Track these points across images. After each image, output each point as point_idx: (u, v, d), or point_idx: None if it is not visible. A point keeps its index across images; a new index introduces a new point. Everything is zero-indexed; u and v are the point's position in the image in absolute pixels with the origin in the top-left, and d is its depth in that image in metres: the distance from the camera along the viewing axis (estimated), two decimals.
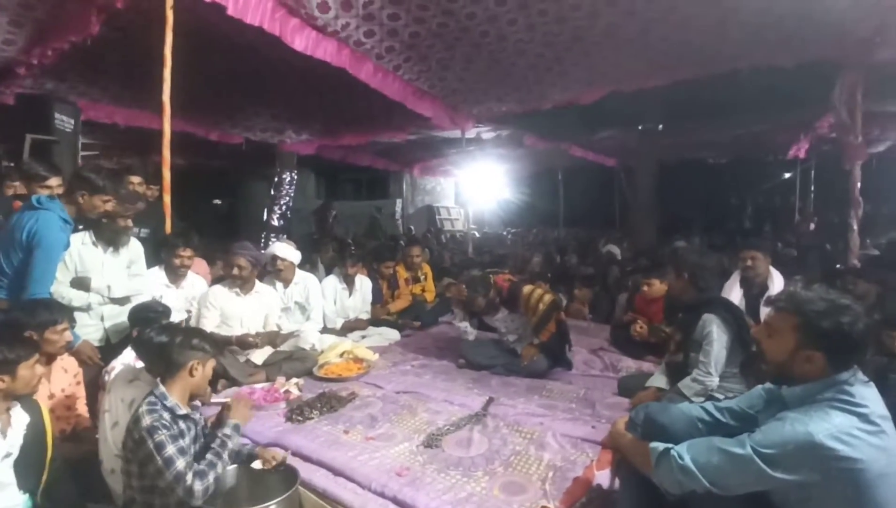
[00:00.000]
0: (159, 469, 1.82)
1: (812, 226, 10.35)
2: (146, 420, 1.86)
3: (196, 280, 3.75)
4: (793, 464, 1.36)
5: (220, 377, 3.23)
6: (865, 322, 1.45)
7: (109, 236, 3.09)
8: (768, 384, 1.72)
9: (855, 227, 4.81)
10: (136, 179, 3.89)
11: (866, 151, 4.85)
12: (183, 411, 1.98)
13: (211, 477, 1.86)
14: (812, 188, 10.24)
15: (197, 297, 3.65)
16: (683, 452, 1.53)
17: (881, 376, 3.53)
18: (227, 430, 2.05)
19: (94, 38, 3.75)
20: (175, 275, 3.58)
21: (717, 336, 2.59)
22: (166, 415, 1.91)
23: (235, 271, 3.55)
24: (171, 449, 1.83)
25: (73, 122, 5.81)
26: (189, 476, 1.81)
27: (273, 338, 3.67)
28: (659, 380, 2.89)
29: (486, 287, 3.65)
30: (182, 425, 1.98)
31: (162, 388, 1.97)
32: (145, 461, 1.86)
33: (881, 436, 1.38)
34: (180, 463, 1.81)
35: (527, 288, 3.63)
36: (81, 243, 3.05)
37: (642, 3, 3.84)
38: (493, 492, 2.04)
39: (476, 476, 2.17)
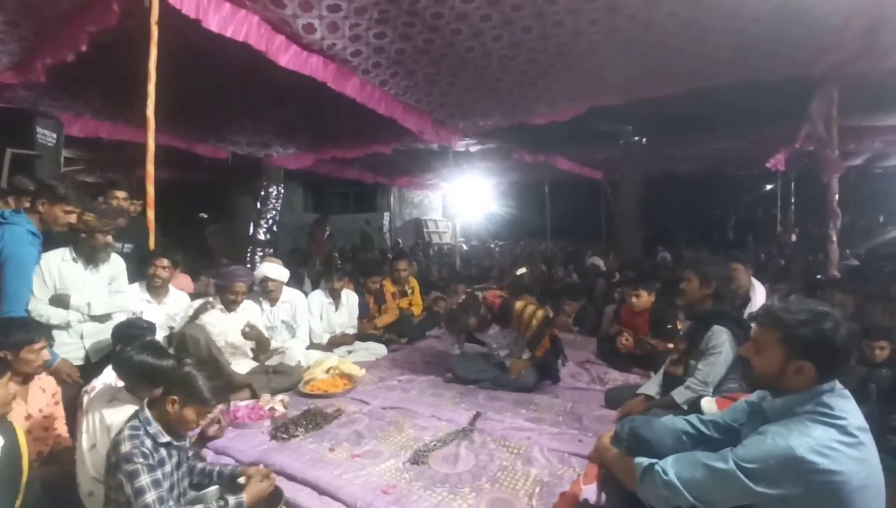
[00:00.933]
0: (129, 499, 1.76)
1: (794, 237, 10.54)
2: (125, 447, 1.80)
3: (178, 296, 3.71)
4: (775, 478, 1.37)
5: None
6: (847, 328, 1.45)
7: (89, 253, 3.02)
8: (751, 397, 1.73)
9: (834, 238, 4.91)
10: (120, 193, 3.84)
11: (843, 165, 4.97)
12: (165, 438, 1.91)
13: None
14: (793, 200, 10.44)
15: (180, 313, 3.60)
16: (668, 467, 1.53)
17: (861, 385, 3.60)
18: (232, 503, 1.90)
19: (78, 53, 3.74)
20: (156, 291, 3.53)
21: (724, 350, 2.57)
22: (148, 442, 1.85)
23: (237, 297, 3.59)
24: (144, 480, 1.76)
25: (55, 136, 5.74)
26: None
27: (265, 347, 3.68)
28: (650, 388, 2.88)
29: (475, 307, 3.63)
30: (163, 452, 1.91)
31: (147, 413, 1.91)
32: (118, 488, 1.79)
33: (860, 448, 1.39)
34: (150, 496, 1.74)
35: (518, 304, 3.62)
36: (61, 259, 2.98)
37: (622, 23, 3.93)
38: None
39: (463, 492, 2.15)
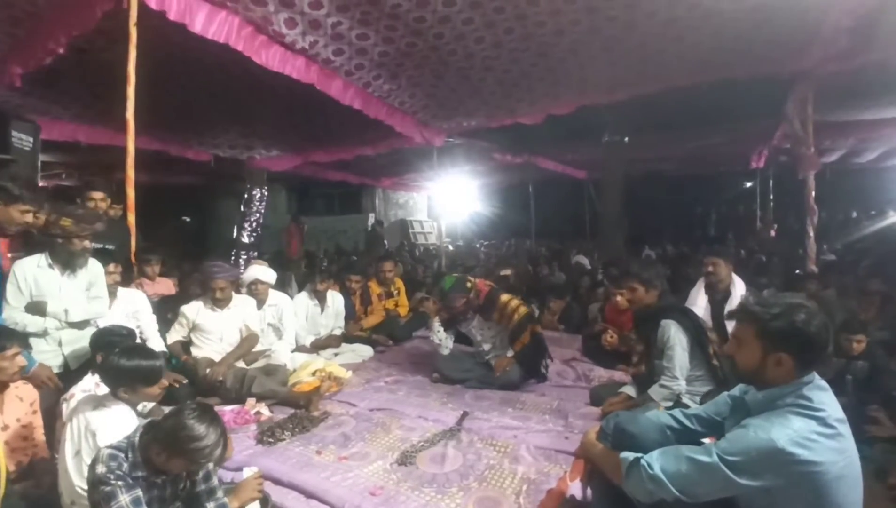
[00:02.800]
0: None
1: (773, 233, 10.73)
2: (100, 467, 1.73)
3: (129, 295, 3.59)
4: (757, 470, 1.40)
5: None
6: (820, 319, 1.48)
7: (66, 258, 2.94)
8: (734, 391, 1.76)
9: (811, 233, 5.01)
10: (97, 195, 3.76)
11: (819, 161, 5.08)
12: (141, 473, 1.83)
13: None
14: (771, 197, 10.63)
15: (139, 310, 3.53)
16: (653, 461, 1.55)
17: (838, 377, 3.69)
18: None
19: (56, 56, 3.68)
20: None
21: (676, 341, 2.68)
22: (125, 466, 1.77)
23: (218, 294, 3.57)
24: (123, 500, 1.70)
25: (31, 140, 5.63)
26: None
27: (253, 342, 3.69)
28: (630, 390, 2.95)
29: (464, 288, 3.63)
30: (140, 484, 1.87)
31: (136, 441, 1.83)
32: (96, 502, 1.75)
33: (838, 439, 1.43)
34: None
35: (505, 296, 3.65)
36: (37, 265, 2.91)
37: (603, 22, 3.97)
38: None
39: (451, 492, 2.16)
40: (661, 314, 2.79)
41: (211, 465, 1.89)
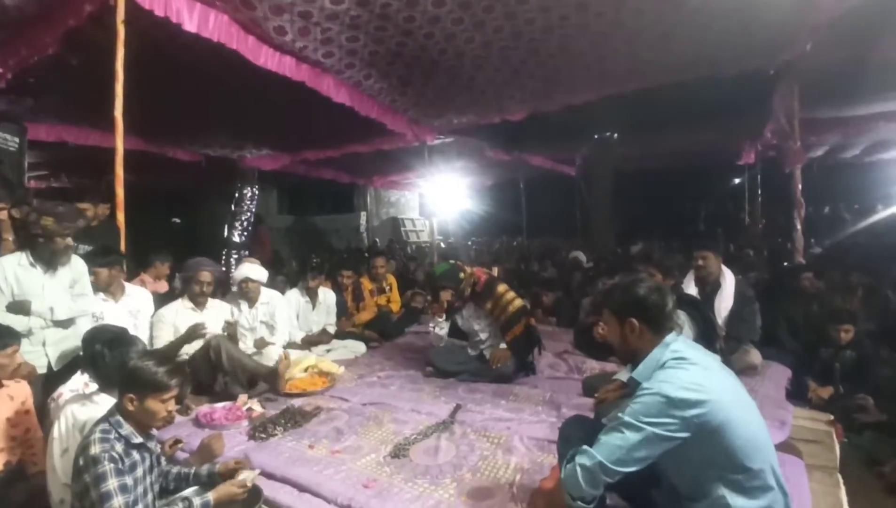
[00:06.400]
0: (94, 504, 1.72)
1: (760, 228, 10.84)
2: (94, 449, 1.76)
3: (136, 292, 3.62)
4: (663, 425, 1.47)
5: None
6: (653, 285, 1.75)
7: (48, 257, 2.92)
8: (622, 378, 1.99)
9: (798, 226, 5.07)
10: (84, 205, 3.78)
11: (805, 155, 5.15)
12: (138, 439, 1.88)
13: None
14: (759, 193, 10.73)
15: (141, 310, 3.53)
16: (580, 452, 1.58)
17: (827, 367, 3.75)
18: (197, 504, 1.88)
19: (43, 56, 3.65)
20: (110, 291, 3.44)
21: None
22: (119, 446, 1.80)
23: (199, 288, 3.51)
24: (111, 484, 1.72)
25: (17, 141, 5.56)
26: None
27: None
28: (625, 374, 2.94)
29: (455, 277, 3.62)
30: (136, 455, 1.88)
31: (117, 415, 1.87)
32: (83, 492, 1.75)
33: (719, 376, 1.59)
34: (117, 501, 1.70)
35: (502, 286, 3.66)
36: (18, 264, 2.88)
37: (592, 19, 4.00)
38: (460, 499, 2.05)
39: (444, 483, 2.16)
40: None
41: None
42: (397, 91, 5.52)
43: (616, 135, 8.80)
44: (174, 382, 1.90)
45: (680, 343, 1.68)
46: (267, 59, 4.09)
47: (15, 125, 5.53)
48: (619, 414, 1.54)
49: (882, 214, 10.23)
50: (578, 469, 1.54)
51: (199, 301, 3.57)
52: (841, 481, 2.29)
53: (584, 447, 1.57)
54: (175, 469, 2.15)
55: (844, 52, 4.67)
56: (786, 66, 4.91)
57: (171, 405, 1.96)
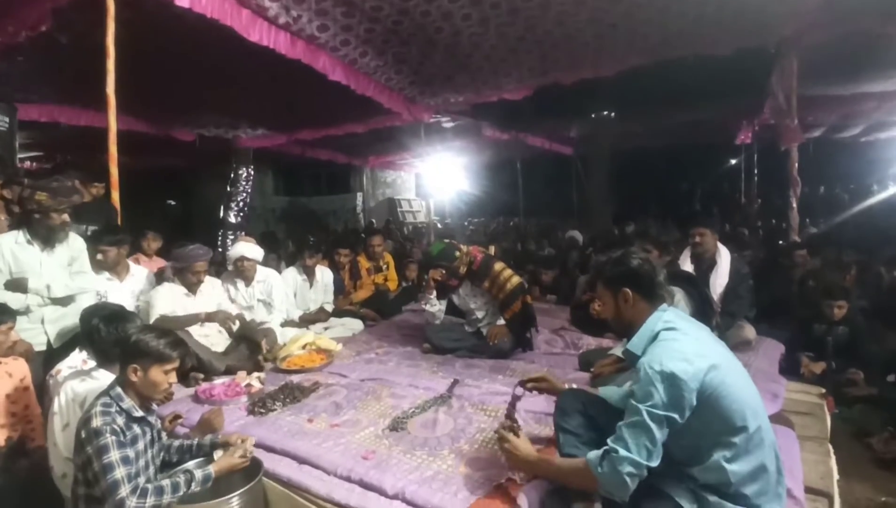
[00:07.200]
0: (96, 475, 1.74)
1: (755, 208, 10.88)
2: (96, 422, 1.78)
3: (139, 272, 3.63)
4: (673, 400, 1.48)
5: (194, 370, 3.14)
6: (640, 255, 1.80)
7: (45, 234, 2.90)
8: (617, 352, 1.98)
9: (794, 205, 5.08)
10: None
11: (801, 134, 5.13)
12: (139, 413, 1.90)
13: (150, 502, 1.74)
14: (755, 172, 10.73)
15: (145, 290, 3.53)
16: (614, 445, 1.53)
17: (820, 342, 3.79)
18: (199, 476, 1.90)
19: (32, 35, 3.58)
20: (115, 270, 3.43)
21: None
22: (120, 419, 1.83)
23: (195, 278, 3.45)
24: (113, 455, 1.74)
25: (7, 120, 5.50)
26: (124, 490, 1.71)
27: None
28: (619, 350, 2.96)
29: (452, 255, 3.61)
30: (137, 429, 1.90)
31: (118, 389, 1.89)
32: (85, 464, 1.78)
33: (711, 344, 1.64)
34: (119, 472, 1.72)
35: (499, 265, 3.66)
36: (15, 242, 2.87)
37: None
38: (459, 469, 2.07)
39: (442, 454, 2.19)
40: (668, 281, 2.81)
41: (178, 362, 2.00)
42: (393, 69, 5.45)
43: (613, 114, 8.75)
44: (176, 353, 1.94)
45: (671, 313, 1.71)
46: (261, 35, 4.03)
47: (4, 104, 5.46)
48: (634, 403, 1.52)
49: (878, 194, 10.27)
50: (627, 479, 1.49)
51: (192, 289, 3.50)
52: (831, 451, 2.33)
53: (620, 451, 1.50)
54: (177, 443, 2.18)
55: (843, 29, 4.62)
56: (786, 42, 4.86)
57: (173, 378, 1.98)
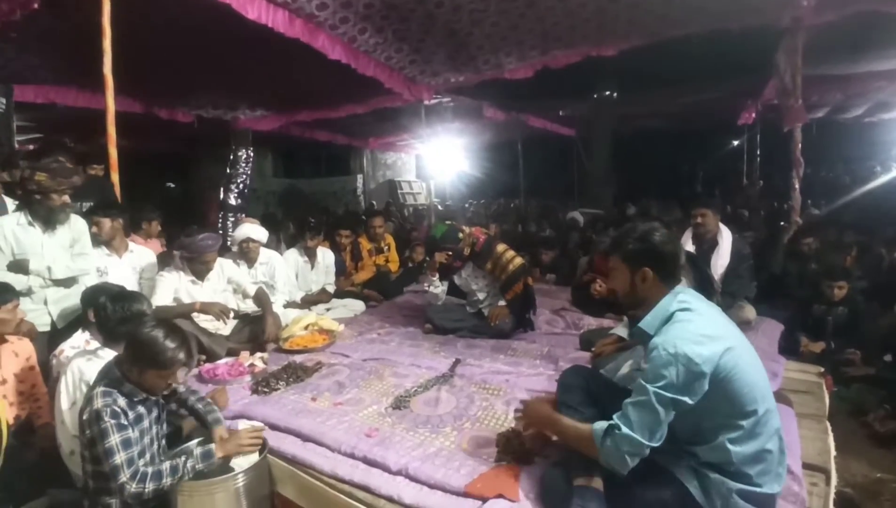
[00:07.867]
0: (99, 456, 1.79)
1: (757, 190, 10.83)
2: (97, 403, 1.80)
3: (140, 250, 3.62)
4: (686, 383, 1.46)
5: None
6: (669, 236, 1.72)
7: (45, 215, 2.90)
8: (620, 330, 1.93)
9: (797, 186, 5.05)
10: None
11: (805, 114, 5.07)
12: (141, 395, 1.92)
13: (150, 487, 1.77)
14: (758, 153, 10.66)
15: (145, 267, 3.54)
16: (617, 422, 1.54)
17: (820, 322, 3.81)
18: (199, 454, 1.93)
19: (26, 14, 3.51)
20: (113, 246, 3.42)
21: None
22: (121, 401, 1.84)
23: (205, 267, 3.44)
24: (113, 440, 1.76)
25: (3, 102, 5.44)
26: (124, 475, 1.74)
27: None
28: (621, 330, 2.98)
29: (455, 237, 3.60)
30: (141, 408, 1.92)
31: (118, 373, 1.90)
32: (90, 443, 1.82)
33: (721, 328, 1.60)
34: (119, 458, 1.75)
35: (501, 246, 3.65)
36: (16, 223, 2.87)
37: None
38: (461, 446, 2.10)
39: (444, 431, 2.22)
40: None
41: (181, 385, 2.07)
42: (393, 47, 5.36)
43: (615, 95, 8.66)
44: (178, 361, 1.91)
45: (687, 294, 1.67)
46: (259, 13, 3.96)
47: (0, 85, 5.40)
48: (643, 383, 1.50)
49: (880, 176, 10.22)
50: (627, 457, 1.49)
51: (200, 276, 3.47)
52: (829, 428, 2.36)
53: (623, 428, 1.50)
54: (172, 405, 2.19)
55: (852, 9, 4.54)
56: (793, 21, 4.78)
57: (172, 379, 1.99)
